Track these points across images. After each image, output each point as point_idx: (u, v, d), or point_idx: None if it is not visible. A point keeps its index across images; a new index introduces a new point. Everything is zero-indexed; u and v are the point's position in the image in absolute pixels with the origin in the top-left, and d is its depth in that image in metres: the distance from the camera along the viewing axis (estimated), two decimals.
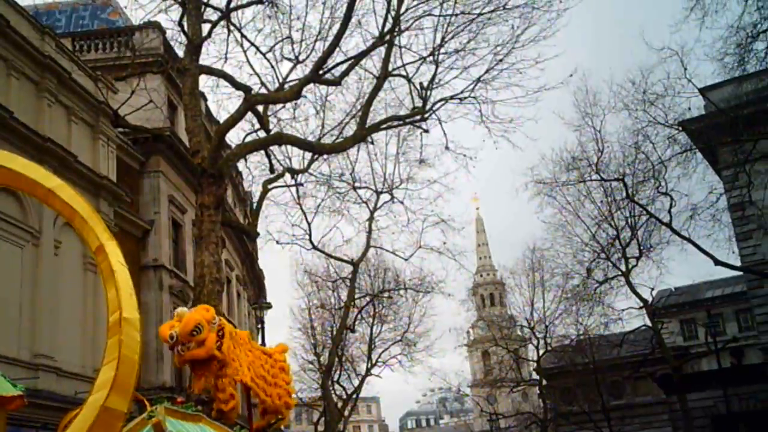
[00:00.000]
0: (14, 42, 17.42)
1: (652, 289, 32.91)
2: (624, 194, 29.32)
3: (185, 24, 18.50)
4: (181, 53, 20.51)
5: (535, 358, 42.27)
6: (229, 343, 7.22)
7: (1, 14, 16.90)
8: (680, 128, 25.72)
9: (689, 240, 27.31)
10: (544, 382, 43.20)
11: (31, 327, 16.61)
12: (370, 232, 32.97)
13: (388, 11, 19.98)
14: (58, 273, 17.85)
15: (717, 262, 25.87)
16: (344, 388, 39.67)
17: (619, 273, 31.43)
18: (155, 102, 21.77)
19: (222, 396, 7.22)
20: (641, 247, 30.88)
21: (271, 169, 25.27)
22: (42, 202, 6.10)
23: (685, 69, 23.55)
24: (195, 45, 18.08)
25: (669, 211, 27.96)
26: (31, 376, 15.35)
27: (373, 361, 39.41)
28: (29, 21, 18.59)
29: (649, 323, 32.74)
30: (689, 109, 25.79)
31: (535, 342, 41.69)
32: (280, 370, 8.72)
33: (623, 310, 33.98)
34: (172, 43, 23.81)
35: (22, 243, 16.87)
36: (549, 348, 40.88)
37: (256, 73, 22.15)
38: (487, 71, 21.71)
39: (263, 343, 23.60)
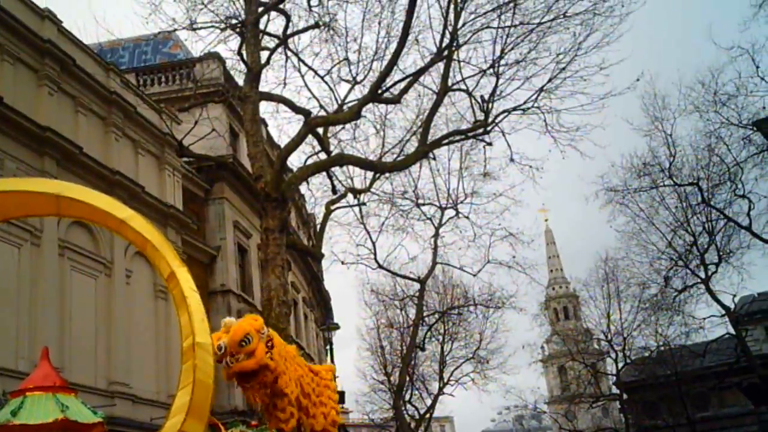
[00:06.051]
0: (81, 80, 17.91)
1: (734, 296, 31.55)
2: (699, 199, 28.43)
3: (244, 53, 18.77)
4: (241, 81, 20.78)
5: (615, 372, 40.90)
6: (279, 354, 7.00)
7: (68, 54, 17.39)
8: (755, 128, 24.91)
9: None
10: (625, 396, 41.74)
11: (106, 355, 16.91)
12: (435, 248, 32.68)
13: (445, 27, 19.78)
14: (130, 302, 18.16)
15: None
16: (416, 408, 39.08)
17: (699, 280, 30.32)
18: (218, 130, 22.08)
19: (282, 416, 6.95)
20: (720, 253, 29.74)
21: (334, 190, 25.29)
22: (114, 232, 6.09)
23: (757, 67, 22.91)
24: (254, 72, 18.29)
25: (748, 214, 27.07)
26: (108, 404, 15.55)
27: (445, 380, 38.79)
28: (94, 59, 19.13)
29: (732, 331, 31.41)
30: (764, 108, 24.90)
31: (613, 355, 40.30)
32: (326, 388, 8.49)
33: (705, 318, 32.86)
34: (231, 72, 24.17)
35: (96, 274, 17.22)
36: (628, 361, 39.45)
37: (315, 97, 22.29)
38: (549, 80, 21.20)
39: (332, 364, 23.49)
